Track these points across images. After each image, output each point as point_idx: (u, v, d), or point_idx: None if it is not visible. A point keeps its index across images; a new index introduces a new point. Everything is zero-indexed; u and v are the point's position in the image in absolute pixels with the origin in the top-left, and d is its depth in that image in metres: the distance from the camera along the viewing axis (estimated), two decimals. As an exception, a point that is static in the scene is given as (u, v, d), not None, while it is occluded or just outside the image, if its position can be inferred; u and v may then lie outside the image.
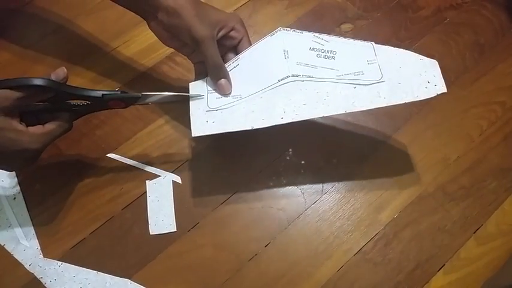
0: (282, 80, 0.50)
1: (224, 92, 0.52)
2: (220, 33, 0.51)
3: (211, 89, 0.52)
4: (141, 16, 0.53)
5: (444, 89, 0.50)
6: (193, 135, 0.50)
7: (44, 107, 0.49)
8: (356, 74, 0.50)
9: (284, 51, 0.51)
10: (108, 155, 0.60)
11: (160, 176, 0.58)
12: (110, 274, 0.53)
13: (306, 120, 0.58)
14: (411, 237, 0.54)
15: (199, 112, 0.51)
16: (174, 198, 0.57)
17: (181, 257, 0.54)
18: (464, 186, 0.58)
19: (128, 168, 0.59)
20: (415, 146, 0.60)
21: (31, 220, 0.56)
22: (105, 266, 0.53)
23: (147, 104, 0.52)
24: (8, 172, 0.58)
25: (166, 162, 0.59)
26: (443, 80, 0.50)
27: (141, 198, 0.57)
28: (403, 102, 0.49)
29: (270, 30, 0.69)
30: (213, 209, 0.56)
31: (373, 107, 0.49)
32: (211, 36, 0.49)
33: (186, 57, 0.55)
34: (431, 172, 0.58)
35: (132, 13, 0.54)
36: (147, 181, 0.58)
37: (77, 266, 0.53)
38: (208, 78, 0.53)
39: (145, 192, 0.57)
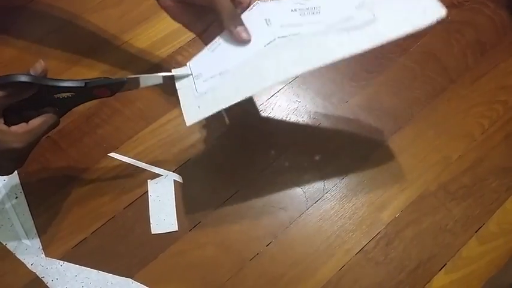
0: (267, 44, 0.48)
1: (243, 39, 0.48)
2: None
3: (197, 73, 0.50)
4: None
5: (443, 12, 0.46)
6: (187, 125, 0.47)
7: (28, 104, 0.46)
8: (346, 20, 0.48)
9: (266, 19, 0.49)
10: (109, 154, 0.60)
11: (162, 175, 0.58)
12: (112, 273, 0.53)
13: (307, 120, 0.57)
14: (413, 237, 0.54)
15: (189, 100, 0.49)
16: (176, 198, 0.57)
17: (183, 256, 0.54)
18: (466, 185, 0.57)
19: (129, 167, 0.59)
20: (416, 145, 0.60)
21: (33, 219, 0.56)
22: (107, 265, 0.53)
23: (135, 88, 0.49)
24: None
25: (168, 162, 0.59)
26: (440, 3, 0.47)
27: (143, 198, 0.57)
28: (405, 34, 0.45)
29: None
30: (214, 208, 0.56)
31: (373, 46, 0.46)
32: None
33: (197, 35, 0.53)
34: (432, 171, 0.58)
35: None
36: (148, 180, 0.58)
37: (78, 265, 0.53)
38: (194, 62, 0.51)
39: (147, 191, 0.57)
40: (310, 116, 0.63)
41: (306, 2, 0.49)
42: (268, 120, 0.62)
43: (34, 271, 0.53)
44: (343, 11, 0.48)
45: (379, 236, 0.54)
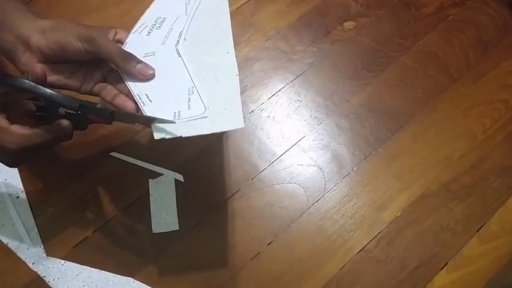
0: (180, 55, 0.48)
1: (147, 73, 0.45)
2: (110, 36, 0.46)
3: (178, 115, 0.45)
4: (6, 55, 0.45)
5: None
6: (243, 125, 0.43)
7: (51, 111, 0.44)
8: (187, 2, 0.52)
9: (146, 54, 0.48)
10: (110, 154, 0.60)
11: (163, 174, 0.58)
12: (113, 273, 0.53)
13: (308, 119, 0.58)
14: (414, 236, 0.54)
15: (208, 121, 0.45)
16: (177, 197, 0.57)
17: (184, 256, 0.54)
18: (467, 184, 0.57)
19: (130, 166, 0.59)
20: (418, 144, 0.60)
21: (34, 219, 0.56)
22: (108, 265, 0.53)
23: (131, 123, 0.47)
24: (11, 170, 0.58)
25: (169, 161, 0.59)
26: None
27: (144, 197, 0.57)
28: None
29: (272, 28, 0.70)
30: (215, 207, 0.56)
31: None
32: (102, 32, 0.45)
33: (77, 91, 0.47)
34: (434, 170, 0.58)
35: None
36: (149, 180, 0.58)
37: (80, 265, 0.53)
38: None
39: (148, 190, 0.57)
40: (311, 115, 0.63)
41: (145, 23, 0.50)
42: (269, 120, 0.62)
43: (35, 270, 0.53)
44: (177, 4, 0.51)
45: (380, 235, 0.54)
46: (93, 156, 0.60)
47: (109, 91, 0.46)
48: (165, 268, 0.53)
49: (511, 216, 0.55)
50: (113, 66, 0.46)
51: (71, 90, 0.47)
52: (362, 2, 0.72)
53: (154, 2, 0.53)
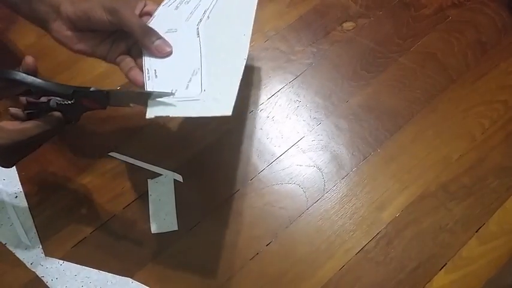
0: (198, 35, 0.49)
1: (165, 51, 0.47)
2: (136, 11, 0.47)
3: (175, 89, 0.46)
4: (41, 24, 0.47)
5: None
6: (230, 114, 0.41)
7: (43, 106, 0.44)
8: None
9: (169, 29, 0.49)
10: (109, 154, 0.60)
11: (161, 174, 0.58)
12: (112, 273, 0.53)
13: (308, 120, 0.57)
14: (413, 236, 0.54)
15: (200, 104, 0.45)
16: (176, 197, 0.57)
17: (183, 256, 0.54)
18: (466, 185, 0.57)
19: (129, 166, 0.59)
20: (416, 145, 0.60)
21: (32, 219, 0.56)
22: (107, 265, 0.53)
23: (126, 106, 0.46)
24: (9, 171, 0.58)
25: (168, 161, 0.59)
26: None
27: (143, 197, 0.57)
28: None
29: (271, 28, 0.70)
30: (214, 207, 0.56)
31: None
32: (128, 4, 0.46)
33: (103, 60, 0.49)
34: (433, 171, 0.58)
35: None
36: (148, 180, 0.58)
37: (78, 265, 0.53)
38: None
39: (147, 190, 0.57)
40: (310, 116, 0.63)
41: None
42: (268, 120, 0.62)
43: (34, 270, 0.53)
44: None
45: (379, 235, 0.54)
46: (92, 156, 0.60)
47: (127, 63, 0.48)
48: (164, 268, 0.53)
49: (509, 217, 0.55)
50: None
51: (98, 58, 0.48)
52: (361, 2, 0.72)
53: None
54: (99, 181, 0.58)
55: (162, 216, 0.56)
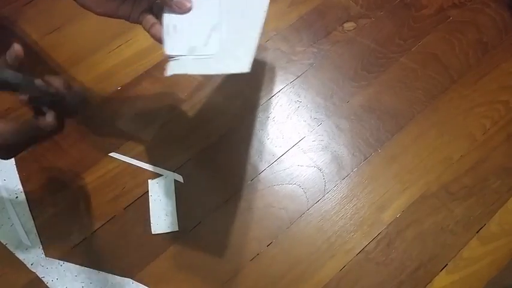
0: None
1: (186, 7, 0.46)
2: None
3: (188, 48, 0.45)
4: None
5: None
6: (248, 70, 0.41)
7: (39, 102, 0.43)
8: None
9: None
10: (110, 154, 0.60)
11: (162, 175, 0.58)
12: (112, 273, 0.53)
13: (308, 120, 0.57)
14: (414, 237, 0.54)
15: (218, 61, 0.44)
16: (176, 198, 0.57)
17: (184, 256, 0.53)
18: (467, 185, 0.57)
19: (130, 167, 0.59)
20: (417, 145, 0.60)
21: (33, 219, 0.56)
22: (107, 265, 0.53)
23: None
24: (10, 171, 0.58)
25: (169, 162, 0.59)
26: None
27: (143, 198, 0.57)
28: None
29: (272, 29, 0.70)
30: (215, 208, 0.56)
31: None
32: None
33: (126, 20, 0.48)
34: (434, 171, 0.58)
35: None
36: (149, 180, 0.58)
37: (79, 265, 0.53)
38: (170, 48, 0.45)
39: (148, 191, 0.57)
40: (311, 116, 0.63)
41: None
42: (269, 120, 0.62)
43: (34, 271, 0.52)
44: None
45: (380, 236, 0.54)
46: (92, 157, 0.60)
47: (148, 20, 0.48)
48: (165, 269, 0.53)
49: (511, 217, 0.55)
50: None
51: (121, 18, 0.48)
52: (362, 3, 0.72)
53: None
54: (100, 182, 0.58)
55: (162, 216, 0.55)
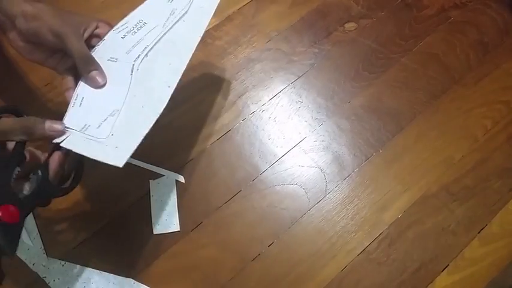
0: (132, 73, 0.48)
1: (98, 84, 0.48)
2: (86, 33, 0.48)
3: (81, 126, 0.45)
4: (1, 30, 0.49)
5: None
6: (121, 165, 0.42)
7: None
8: (171, 13, 0.51)
9: (110, 58, 0.49)
10: (111, 154, 0.60)
11: (163, 175, 0.58)
12: (114, 273, 0.53)
13: (309, 120, 0.57)
14: (415, 238, 0.54)
15: (99, 148, 0.44)
16: (178, 198, 0.57)
17: (185, 257, 0.54)
18: (468, 186, 0.57)
19: (131, 167, 0.59)
20: (419, 146, 0.60)
21: (34, 219, 0.56)
22: (109, 266, 0.53)
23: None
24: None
25: (170, 162, 0.59)
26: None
27: (145, 198, 0.57)
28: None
29: (273, 29, 0.70)
30: (216, 208, 0.56)
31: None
32: (75, 30, 0.47)
33: (54, 70, 0.50)
34: (435, 172, 0.58)
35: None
36: (150, 180, 0.58)
37: (80, 266, 0.53)
38: (68, 120, 0.46)
39: (149, 191, 0.57)
40: (312, 116, 0.63)
41: (126, 24, 0.51)
42: (270, 121, 0.62)
43: (36, 271, 0.53)
44: (162, 12, 0.51)
45: (381, 236, 0.54)
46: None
47: (66, 82, 0.49)
48: (166, 269, 0.53)
49: (512, 218, 0.55)
50: None
51: (49, 68, 0.50)
52: (363, 3, 0.72)
53: (145, 2, 0.53)
54: (101, 182, 0.58)
55: (163, 216, 0.56)
